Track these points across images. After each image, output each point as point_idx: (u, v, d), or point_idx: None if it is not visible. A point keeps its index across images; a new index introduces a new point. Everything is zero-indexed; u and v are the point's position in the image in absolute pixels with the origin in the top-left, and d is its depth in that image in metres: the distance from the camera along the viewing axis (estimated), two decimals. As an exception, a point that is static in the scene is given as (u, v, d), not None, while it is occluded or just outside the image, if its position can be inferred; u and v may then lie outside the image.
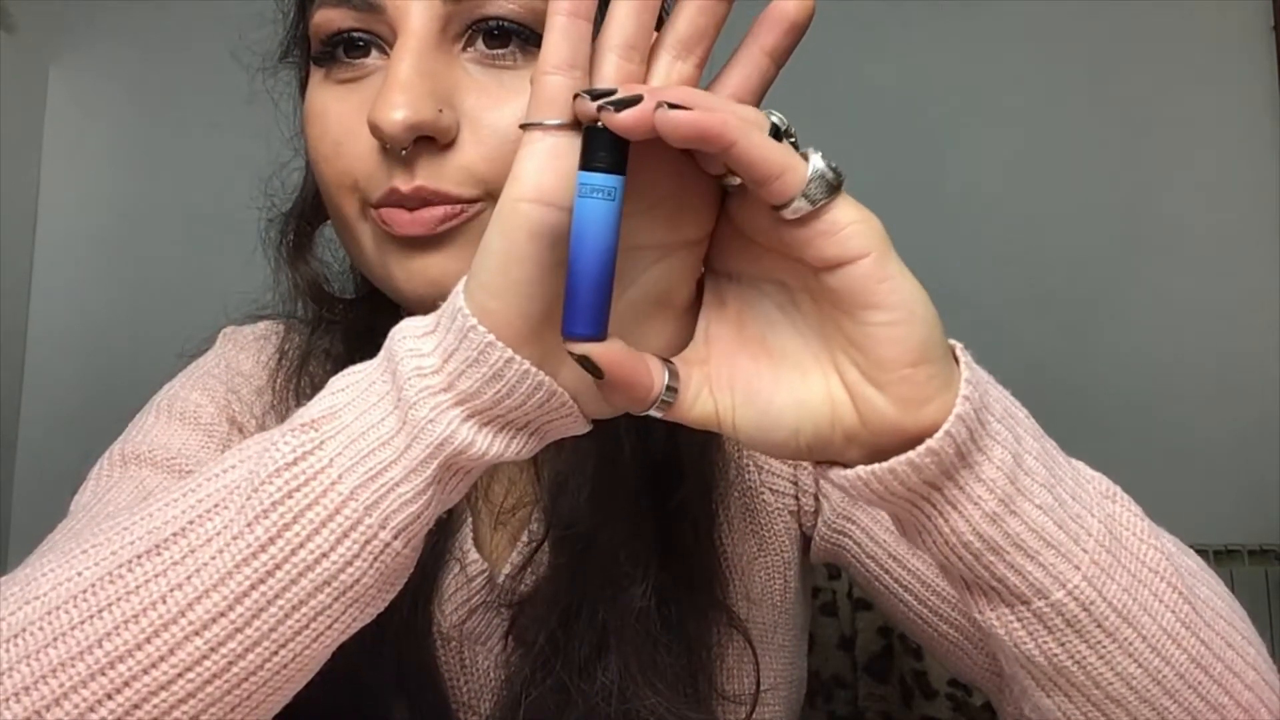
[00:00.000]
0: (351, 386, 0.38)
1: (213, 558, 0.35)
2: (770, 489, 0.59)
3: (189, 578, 0.35)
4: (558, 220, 0.35)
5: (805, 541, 0.61)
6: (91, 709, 0.35)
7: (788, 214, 0.34)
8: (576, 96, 0.34)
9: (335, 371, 0.40)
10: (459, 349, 0.35)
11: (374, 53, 0.47)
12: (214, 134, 1.66)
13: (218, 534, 0.36)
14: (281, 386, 0.58)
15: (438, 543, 0.55)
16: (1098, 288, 1.67)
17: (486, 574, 0.56)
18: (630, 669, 0.52)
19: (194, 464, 0.53)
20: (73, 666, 0.35)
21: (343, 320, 0.57)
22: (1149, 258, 1.66)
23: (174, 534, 0.36)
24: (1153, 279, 1.66)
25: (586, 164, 0.34)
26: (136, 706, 0.35)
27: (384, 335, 0.42)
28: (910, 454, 0.35)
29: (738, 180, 0.37)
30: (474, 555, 0.56)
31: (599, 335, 0.35)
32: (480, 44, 0.46)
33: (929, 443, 0.34)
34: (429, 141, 0.45)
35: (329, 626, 0.36)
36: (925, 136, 1.69)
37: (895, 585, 0.56)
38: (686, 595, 0.54)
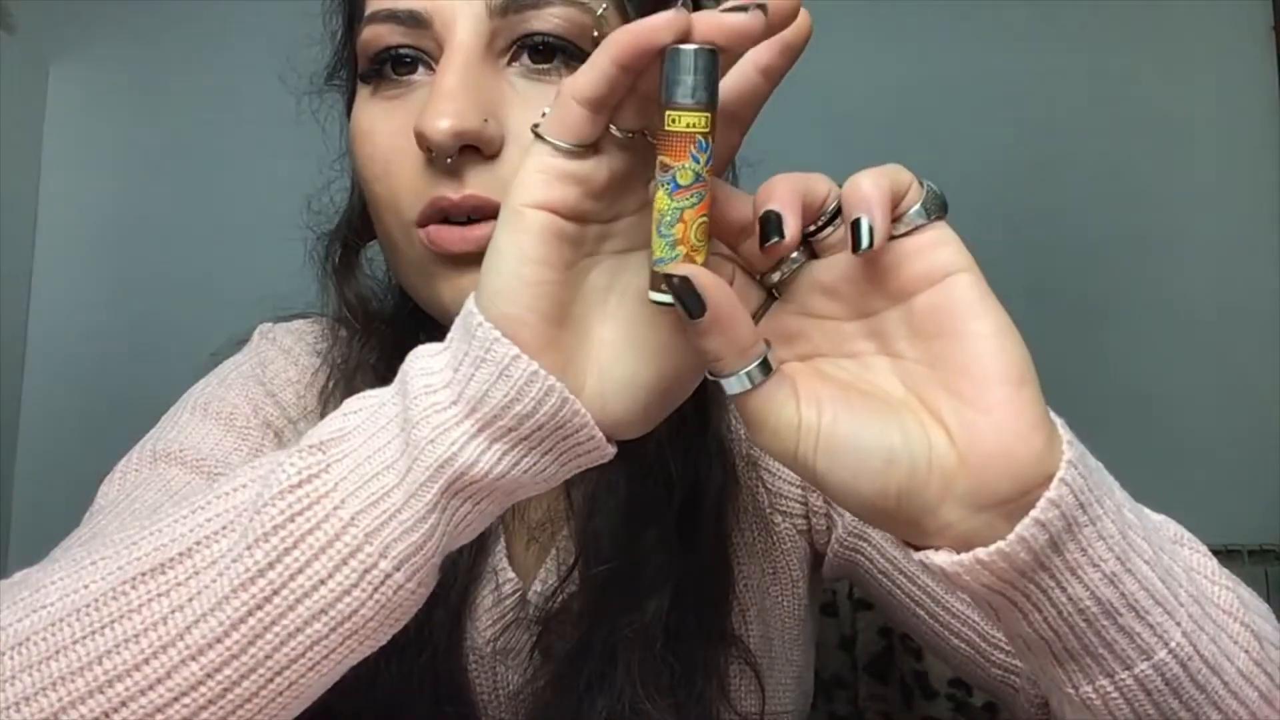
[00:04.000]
0: (364, 409, 0.37)
1: (214, 580, 0.35)
2: (780, 511, 0.60)
3: (190, 600, 0.35)
4: (564, 225, 0.35)
5: (816, 558, 0.62)
6: None
7: (902, 226, 0.34)
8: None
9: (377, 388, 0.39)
10: (468, 352, 0.34)
11: (420, 69, 0.48)
12: (215, 134, 1.66)
13: (221, 556, 0.35)
14: (327, 397, 0.57)
15: (475, 560, 0.55)
16: (1097, 287, 1.67)
17: (520, 591, 0.56)
18: (637, 687, 0.51)
19: (224, 467, 0.53)
20: (72, 681, 0.35)
21: (387, 335, 0.57)
22: (1149, 257, 1.66)
23: (180, 554, 0.36)
24: (1152, 279, 1.65)
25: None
26: None
27: None
28: (1033, 512, 0.32)
29: (794, 266, 0.36)
30: (509, 573, 0.56)
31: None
32: (525, 59, 0.46)
33: (1047, 494, 0.32)
34: (474, 152, 0.45)
35: (324, 657, 0.35)
36: (923, 136, 1.69)
37: (907, 600, 0.57)
38: (696, 618, 0.54)
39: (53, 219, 1.74)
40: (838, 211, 0.35)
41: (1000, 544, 0.32)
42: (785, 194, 0.34)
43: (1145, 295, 1.65)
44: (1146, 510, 0.40)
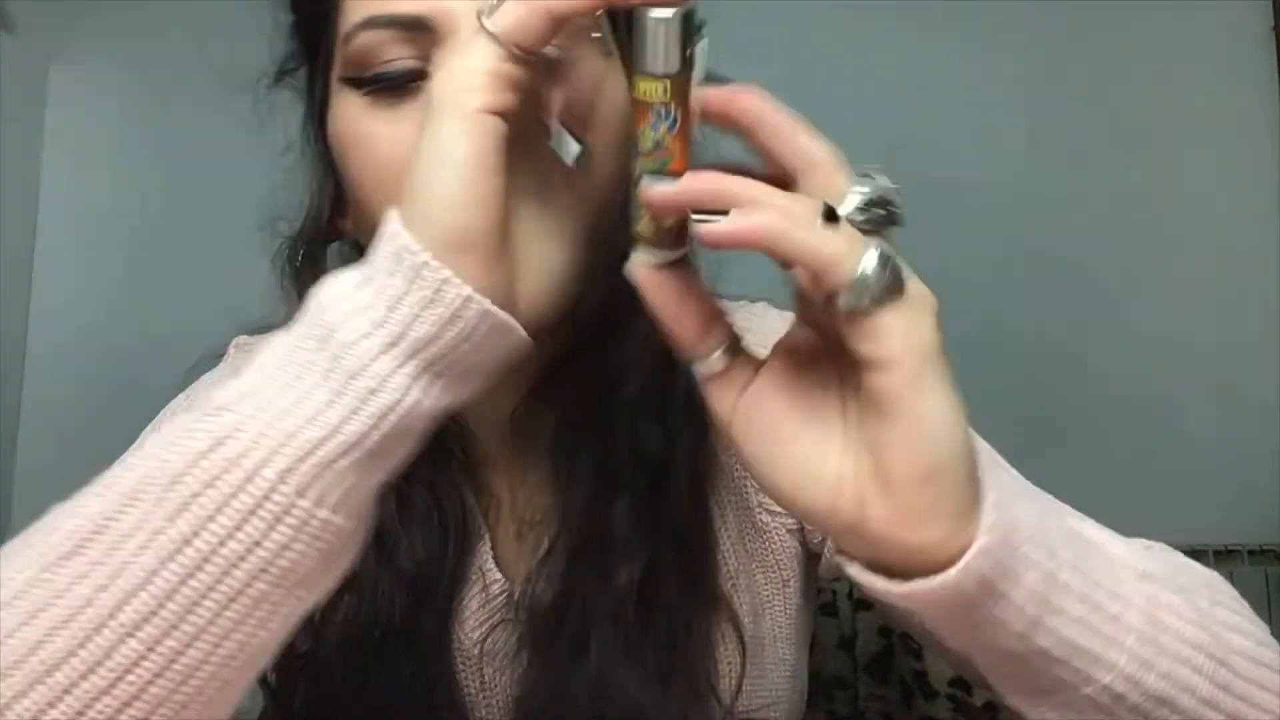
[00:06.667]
0: (273, 363, 0.36)
1: (135, 555, 0.34)
2: (768, 510, 0.59)
3: (114, 577, 0.34)
4: (506, 130, 0.35)
5: (811, 557, 0.61)
6: (35, 718, 0.34)
7: (838, 306, 0.33)
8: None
9: None
10: (409, 291, 0.34)
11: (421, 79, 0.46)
12: (216, 134, 1.66)
13: (137, 529, 0.34)
14: None
15: (461, 562, 0.55)
16: (1097, 287, 1.67)
17: (507, 591, 0.56)
18: (616, 656, 0.51)
19: None
20: (12, 675, 0.34)
21: None
22: (1149, 257, 1.66)
23: (94, 531, 0.35)
24: (1152, 278, 1.65)
25: None
26: (81, 714, 0.34)
27: None
28: (933, 581, 0.33)
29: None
30: (495, 573, 0.56)
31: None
32: None
33: (947, 575, 0.33)
34: None
35: (272, 613, 0.35)
36: (924, 136, 1.69)
37: None
38: (678, 583, 0.54)
39: (53, 219, 1.74)
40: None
41: (895, 589, 0.34)
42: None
43: (1145, 296, 1.65)
44: (1109, 543, 0.40)
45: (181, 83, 1.72)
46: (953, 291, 0.37)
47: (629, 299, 0.37)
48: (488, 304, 0.34)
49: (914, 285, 0.33)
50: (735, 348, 0.37)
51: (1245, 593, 0.46)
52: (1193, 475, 1.57)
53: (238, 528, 0.34)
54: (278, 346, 0.36)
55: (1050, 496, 0.44)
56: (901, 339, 0.32)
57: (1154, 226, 1.66)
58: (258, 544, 0.34)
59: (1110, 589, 0.38)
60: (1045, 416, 1.58)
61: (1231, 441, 1.59)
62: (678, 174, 0.33)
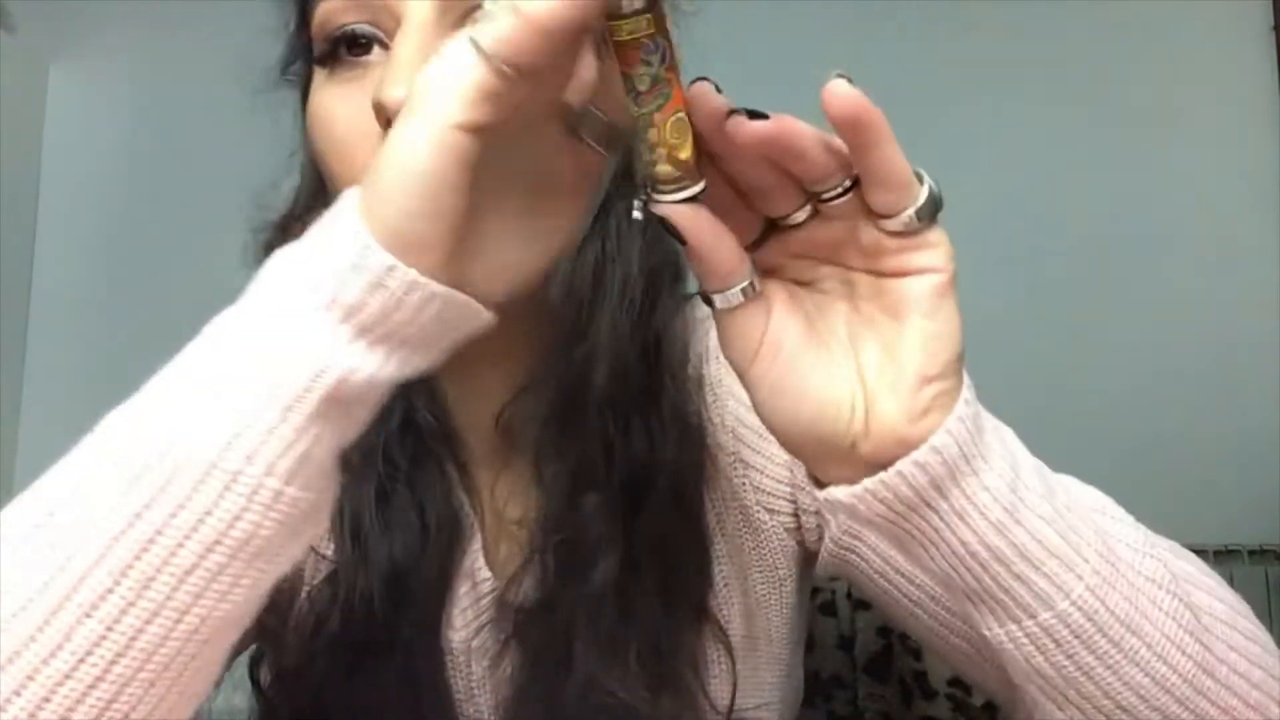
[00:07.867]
0: (210, 340, 0.37)
1: (88, 534, 0.34)
2: (765, 508, 0.59)
3: (69, 558, 0.34)
4: (480, 149, 0.34)
5: (807, 556, 0.61)
6: (1, 709, 0.33)
7: (893, 225, 0.36)
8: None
9: None
10: (384, 300, 0.34)
11: (376, 49, 0.47)
12: (215, 133, 1.66)
13: (92, 508, 0.34)
14: None
15: (451, 561, 0.55)
16: (1097, 287, 1.67)
17: (495, 591, 0.56)
18: (600, 662, 0.51)
19: None
20: None
21: None
22: (1149, 257, 1.66)
23: (48, 514, 0.35)
24: (1152, 279, 1.66)
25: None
26: (46, 699, 0.34)
27: None
28: (914, 454, 0.35)
29: (801, 218, 0.38)
30: (485, 573, 0.56)
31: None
32: None
33: (931, 441, 0.35)
34: None
35: (232, 586, 0.34)
36: (925, 135, 1.68)
37: (905, 600, 0.56)
38: (661, 594, 0.53)
39: (53, 219, 1.75)
40: (854, 183, 0.37)
41: (882, 475, 0.36)
42: (811, 137, 0.36)
43: (1145, 295, 1.66)
44: (1071, 481, 0.43)
45: (181, 82, 1.72)
46: (951, 290, 0.37)
47: (595, 290, 0.38)
48: (414, 274, 0.34)
49: None
50: (753, 287, 0.38)
51: (1245, 593, 0.46)
52: (1193, 475, 1.57)
53: (188, 498, 0.33)
54: (218, 325, 0.38)
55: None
56: (945, 250, 0.36)
57: (1154, 224, 1.66)
58: (209, 513, 0.33)
59: (1066, 502, 0.39)
60: (1045, 416, 1.58)
61: (1231, 441, 1.59)
62: (679, 104, 0.35)
